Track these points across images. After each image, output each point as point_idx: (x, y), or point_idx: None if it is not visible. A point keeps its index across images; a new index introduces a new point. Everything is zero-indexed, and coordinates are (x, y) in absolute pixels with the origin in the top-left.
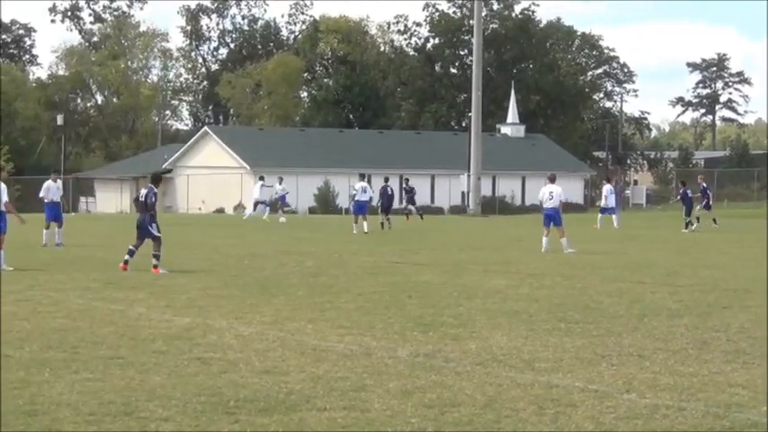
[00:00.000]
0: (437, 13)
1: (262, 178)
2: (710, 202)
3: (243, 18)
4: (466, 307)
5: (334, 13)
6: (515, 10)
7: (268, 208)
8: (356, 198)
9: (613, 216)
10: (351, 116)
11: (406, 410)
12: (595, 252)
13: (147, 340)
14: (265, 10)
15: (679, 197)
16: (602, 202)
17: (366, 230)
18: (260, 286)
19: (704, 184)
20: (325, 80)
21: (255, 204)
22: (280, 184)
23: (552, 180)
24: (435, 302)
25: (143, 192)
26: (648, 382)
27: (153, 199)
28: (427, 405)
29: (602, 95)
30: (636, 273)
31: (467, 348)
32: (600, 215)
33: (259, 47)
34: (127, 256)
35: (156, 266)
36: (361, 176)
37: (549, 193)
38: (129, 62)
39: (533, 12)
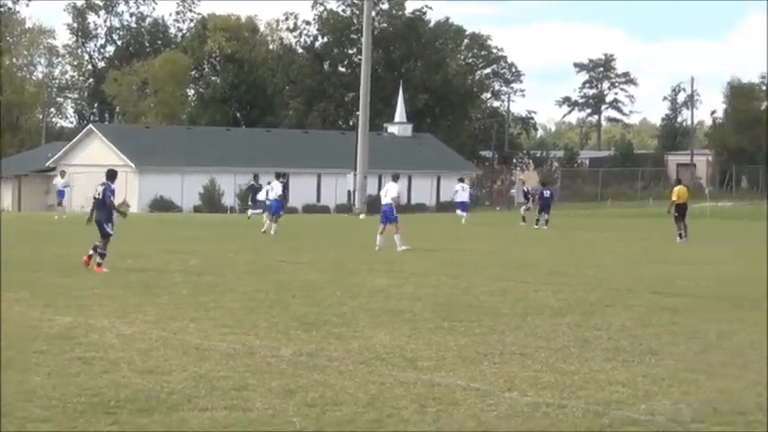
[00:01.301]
0: (326, 12)
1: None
2: (530, 205)
3: (131, 15)
4: (349, 306)
5: (223, 11)
6: (406, 9)
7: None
8: (270, 197)
9: (463, 213)
10: (238, 114)
11: (287, 410)
12: (480, 251)
13: (28, 340)
14: (153, 8)
15: (537, 196)
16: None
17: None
18: (143, 285)
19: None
20: (213, 78)
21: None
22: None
23: (395, 179)
24: (319, 301)
25: (99, 189)
26: (530, 380)
27: (111, 197)
28: (309, 404)
29: (489, 95)
30: (519, 272)
31: (350, 347)
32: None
33: (147, 45)
34: (99, 259)
35: (99, 265)
36: (278, 176)
37: (385, 190)
38: (14, 59)
39: (425, 13)
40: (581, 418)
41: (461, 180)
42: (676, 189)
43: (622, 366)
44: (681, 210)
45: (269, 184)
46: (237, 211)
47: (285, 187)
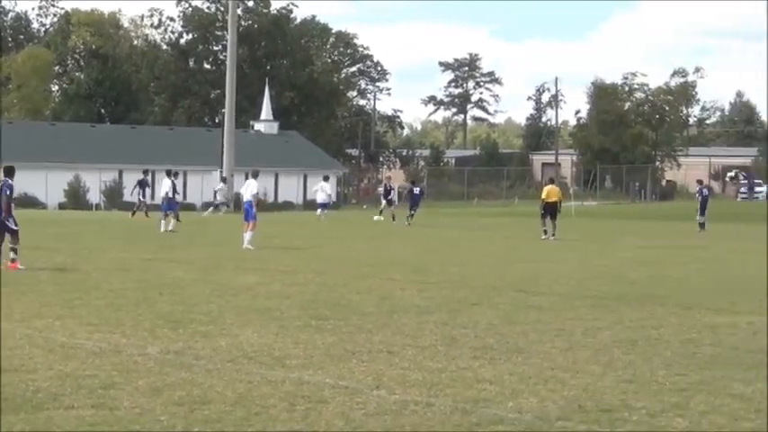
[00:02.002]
0: (190, 8)
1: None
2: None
3: None
4: (217, 304)
5: (87, 7)
6: (272, 6)
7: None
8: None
9: (321, 211)
10: (103, 111)
11: (155, 408)
12: (348, 248)
13: None
14: (15, 3)
15: (406, 192)
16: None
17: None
18: (8, 283)
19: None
20: (77, 74)
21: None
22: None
23: (254, 176)
24: (186, 299)
25: None
26: (398, 378)
27: (8, 192)
28: (177, 403)
29: (356, 93)
30: (386, 269)
31: (217, 345)
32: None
33: (9, 39)
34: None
35: (14, 261)
36: (168, 173)
37: (246, 187)
38: None
39: (291, 11)
40: (449, 416)
41: (326, 179)
42: (546, 188)
43: (489, 364)
44: (550, 209)
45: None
46: (103, 208)
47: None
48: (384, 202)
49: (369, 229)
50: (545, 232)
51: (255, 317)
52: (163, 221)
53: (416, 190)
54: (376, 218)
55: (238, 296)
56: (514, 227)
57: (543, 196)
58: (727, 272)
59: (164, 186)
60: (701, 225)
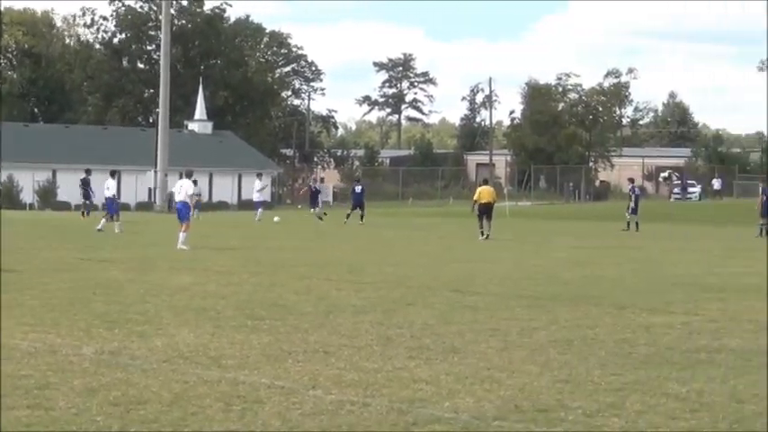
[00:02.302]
0: (123, 8)
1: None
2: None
3: None
4: (152, 304)
5: (19, 6)
6: (205, 6)
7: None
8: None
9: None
10: (36, 110)
11: (91, 408)
12: (284, 249)
13: None
14: None
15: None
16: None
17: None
18: None
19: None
20: (10, 73)
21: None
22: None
23: (188, 176)
24: (121, 299)
25: None
26: (334, 378)
27: None
28: (113, 403)
29: (290, 93)
30: (323, 270)
31: (153, 345)
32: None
33: None
34: None
35: None
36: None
37: (180, 187)
38: None
39: (224, 10)
40: (385, 416)
41: (259, 176)
42: (479, 189)
43: (425, 364)
44: (484, 209)
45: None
46: (37, 208)
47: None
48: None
49: (303, 229)
50: (482, 233)
51: (191, 317)
52: (116, 223)
53: (358, 189)
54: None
55: (174, 296)
56: (449, 227)
57: (475, 197)
58: (661, 272)
59: (109, 187)
60: (629, 224)
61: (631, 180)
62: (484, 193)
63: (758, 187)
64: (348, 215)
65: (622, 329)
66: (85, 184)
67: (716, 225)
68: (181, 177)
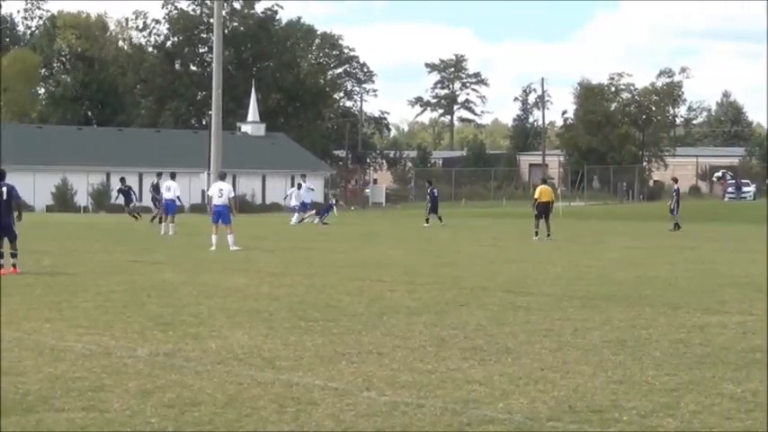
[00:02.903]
0: (176, 11)
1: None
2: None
3: None
4: (206, 306)
5: (73, 9)
6: (257, 9)
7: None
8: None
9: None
10: (89, 113)
11: (145, 410)
12: (336, 250)
13: None
14: (1, 5)
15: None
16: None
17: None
18: None
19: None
20: (63, 76)
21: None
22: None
23: (222, 178)
24: (175, 301)
25: (3, 189)
26: (388, 379)
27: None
28: (167, 405)
29: (342, 95)
30: (375, 271)
31: (207, 347)
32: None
33: None
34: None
35: (14, 266)
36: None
37: (219, 190)
38: None
39: (276, 12)
40: (439, 417)
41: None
42: (540, 188)
43: (479, 365)
44: (542, 208)
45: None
46: (90, 211)
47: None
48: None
49: (357, 229)
50: (536, 233)
51: (245, 318)
52: (171, 225)
53: (435, 191)
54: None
55: (227, 298)
56: (502, 228)
57: (536, 196)
58: (715, 272)
59: (173, 189)
60: (676, 224)
61: (675, 180)
62: (544, 192)
63: None
64: (427, 219)
65: (677, 329)
66: (156, 190)
67: None
68: (218, 179)
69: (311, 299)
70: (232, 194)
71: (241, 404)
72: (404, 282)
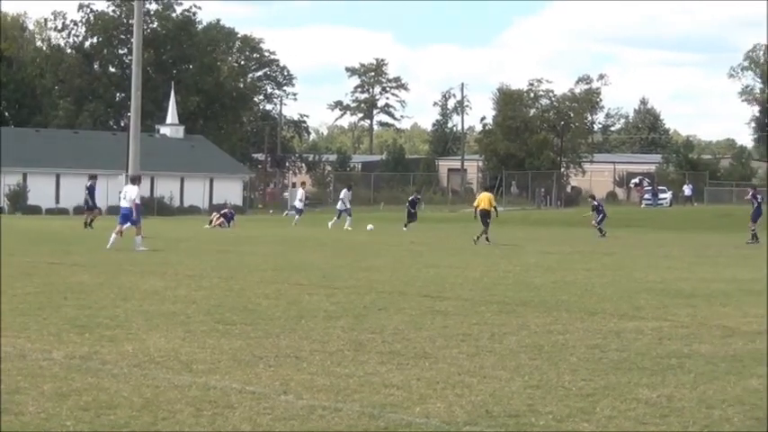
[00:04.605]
0: (93, 13)
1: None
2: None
3: None
4: (123, 308)
5: None
6: (176, 11)
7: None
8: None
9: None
10: (6, 113)
11: (61, 413)
12: (255, 253)
13: None
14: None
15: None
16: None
17: None
18: None
19: None
20: None
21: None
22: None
23: (133, 181)
24: (91, 304)
25: None
26: (305, 383)
27: None
28: (83, 408)
29: (262, 98)
30: (294, 274)
31: (123, 350)
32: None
33: None
34: None
35: None
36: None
37: (124, 193)
38: None
39: (195, 13)
40: (356, 421)
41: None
42: (480, 195)
43: (397, 369)
44: (482, 215)
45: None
46: (6, 212)
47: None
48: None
49: (274, 233)
50: (487, 238)
51: (162, 321)
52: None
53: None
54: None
55: (144, 301)
56: (421, 232)
57: (475, 204)
58: (632, 278)
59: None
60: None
61: (592, 197)
62: (483, 199)
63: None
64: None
65: (593, 335)
66: (90, 192)
67: (686, 231)
68: (128, 182)
69: (229, 302)
70: (135, 199)
71: (157, 407)
72: (322, 285)
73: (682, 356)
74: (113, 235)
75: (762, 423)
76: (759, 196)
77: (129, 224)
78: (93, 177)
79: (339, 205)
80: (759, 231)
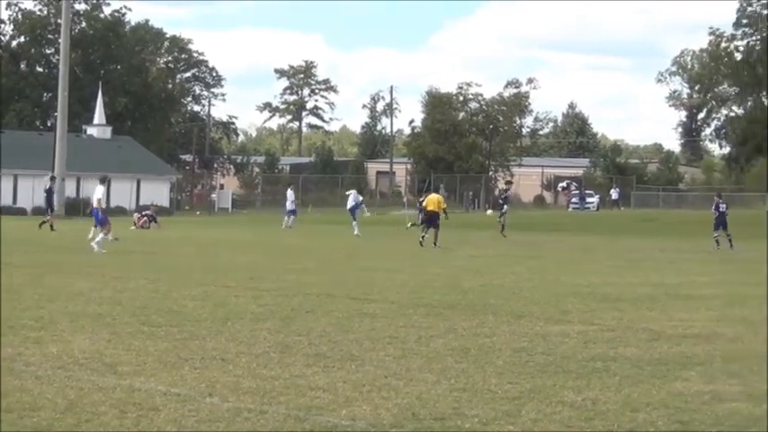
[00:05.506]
0: (21, 12)
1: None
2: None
3: None
4: (48, 309)
5: None
6: (105, 10)
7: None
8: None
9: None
10: None
11: None
12: (182, 255)
13: None
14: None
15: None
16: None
17: None
18: None
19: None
20: None
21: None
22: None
23: (101, 181)
24: (16, 305)
25: None
26: (231, 385)
27: None
28: (6, 409)
29: (190, 99)
30: (221, 276)
31: (48, 352)
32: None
33: None
34: None
35: None
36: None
37: (95, 192)
38: None
39: (124, 14)
40: (282, 423)
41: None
42: (428, 197)
43: (323, 372)
44: (428, 216)
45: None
46: None
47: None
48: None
49: (204, 235)
50: (420, 242)
51: (87, 323)
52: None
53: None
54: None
55: (70, 302)
56: (350, 235)
57: (424, 204)
58: (558, 281)
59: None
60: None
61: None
62: (430, 201)
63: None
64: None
65: (519, 338)
66: (49, 194)
67: (613, 235)
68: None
69: (155, 304)
70: (99, 196)
71: (81, 409)
72: (249, 287)
73: (607, 360)
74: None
75: (684, 425)
76: (722, 203)
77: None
78: (52, 179)
79: (289, 205)
80: (722, 237)
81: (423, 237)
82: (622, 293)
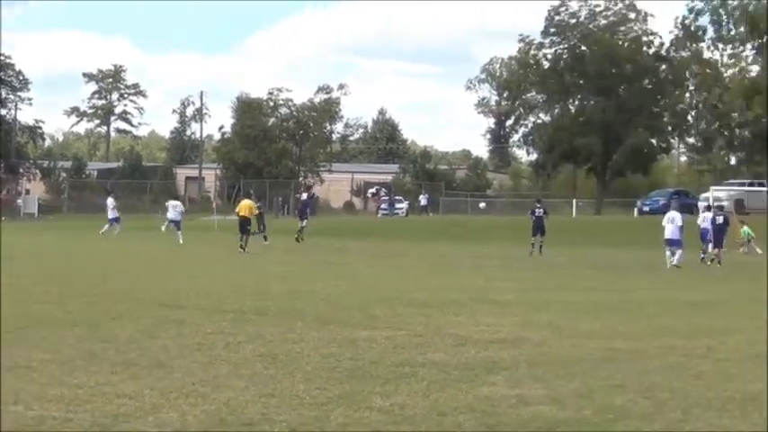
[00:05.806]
0: None
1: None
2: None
3: None
4: None
5: None
6: None
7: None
8: None
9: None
10: None
11: None
12: None
13: None
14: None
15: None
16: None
17: None
18: None
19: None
20: None
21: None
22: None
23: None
24: None
25: None
26: (36, 393)
27: None
28: None
29: None
30: (20, 282)
31: None
32: None
33: None
34: None
35: None
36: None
37: None
38: None
39: None
40: (88, 430)
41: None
42: (241, 203)
43: (130, 379)
44: (241, 222)
45: None
46: None
47: None
48: None
49: (9, 241)
50: (240, 247)
51: None
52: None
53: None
54: None
55: None
56: (155, 241)
57: (236, 210)
58: (366, 287)
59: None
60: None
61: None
62: (242, 206)
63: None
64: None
65: (328, 344)
66: None
67: (422, 241)
68: None
69: None
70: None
71: None
72: (54, 294)
73: (415, 365)
74: None
75: (491, 428)
76: (537, 209)
77: None
78: None
79: (110, 213)
80: (543, 244)
81: (240, 245)
82: (430, 299)
